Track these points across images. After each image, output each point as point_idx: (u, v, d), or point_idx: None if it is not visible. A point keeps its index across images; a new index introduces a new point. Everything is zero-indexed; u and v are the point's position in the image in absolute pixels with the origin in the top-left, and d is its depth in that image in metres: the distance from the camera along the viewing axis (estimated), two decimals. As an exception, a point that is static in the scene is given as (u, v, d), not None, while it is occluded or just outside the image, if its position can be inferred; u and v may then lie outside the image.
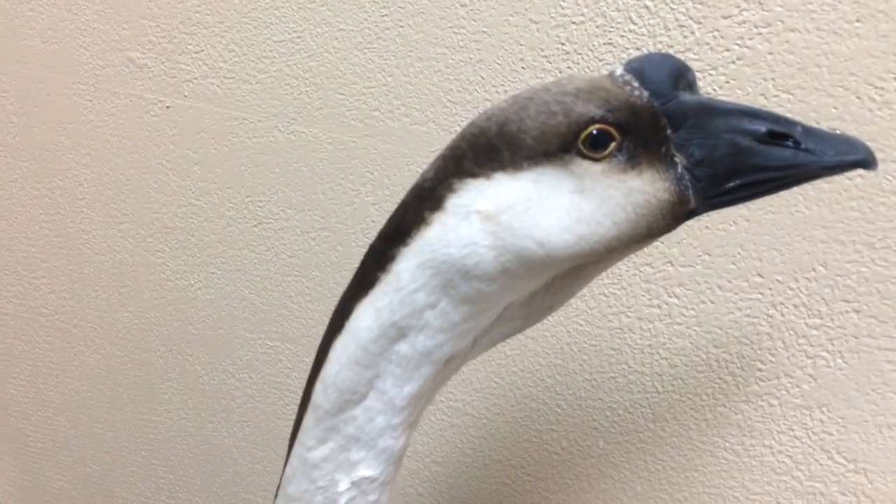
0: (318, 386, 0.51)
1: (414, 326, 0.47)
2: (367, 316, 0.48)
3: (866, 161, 0.41)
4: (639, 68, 0.44)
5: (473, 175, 0.44)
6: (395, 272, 0.46)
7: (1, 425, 1.32)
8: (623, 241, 0.43)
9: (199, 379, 1.13)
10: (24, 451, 1.32)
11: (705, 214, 0.75)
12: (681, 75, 0.44)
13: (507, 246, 0.43)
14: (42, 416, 1.27)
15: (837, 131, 0.69)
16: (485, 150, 0.44)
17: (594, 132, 0.41)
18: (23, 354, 1.24)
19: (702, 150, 0.42)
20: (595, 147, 0.42)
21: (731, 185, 0.42)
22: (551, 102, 0.43)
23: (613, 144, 0.42)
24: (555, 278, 0.48)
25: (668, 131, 0.42)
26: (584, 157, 0.42)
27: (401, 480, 1.03)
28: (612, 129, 0.41)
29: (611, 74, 0.45)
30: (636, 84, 0.43)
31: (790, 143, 0.41)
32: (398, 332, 0.47)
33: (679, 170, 0.42)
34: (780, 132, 0.41)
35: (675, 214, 0.43)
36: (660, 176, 0.42)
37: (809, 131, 0.42)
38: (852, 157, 0.41)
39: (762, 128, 0.41)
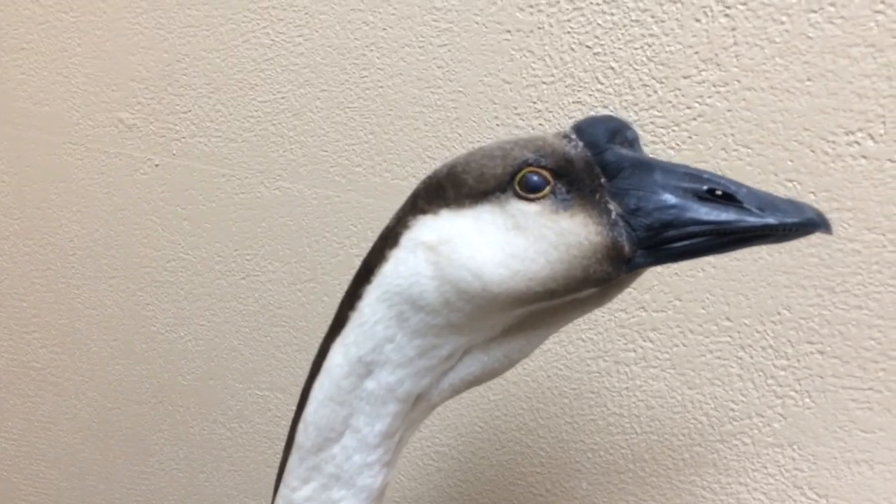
0: (300, 426, 0.53)
1: (377, 361, 0.49)
2: (339, 353, 0.51)
3: (813, 222, 0.41)
4: (579, 125, 0.47)
5: (424, 212, 0.48)
6: (360, 308, 0.50)
7: (-8, 479, 1.32)
8: (559, 281, 0.44)
9: (189, 429, 1.14)
10: (15, 504, 1.32)
11: (675, 264, 0.80)
12: (618, 132, 0.47)
13: (446, 276, 0.45)
14: (34, 469, 1.28)
15: (813, 204, 0.73)
16: (434, 190, 0.48)
17: (530, 175, 0.44)
18: (15, 409, 1.25)
19: (638, 200, 0.44)
20: (530, 189, 0.44)
21: (668, 235, 0.43)
22: (495, 149, 0.47)
23: (548, 188, 0.44)
24: (511, 328, 0.50)
25: (602, 179, 0.45)
26: (520, 197, 0.45)
27: (390, 526, 1.05)
28: (545, 173, 0.44)
29: (557, 132, 0.48)
30: (573, 137, 0.47)
31: (732, 203, 0.42)
32: (365, 367, 0.50)
33: (613, 216, 0.44)
34: (723, 192, 0.42)
35: (610, 259, 0.44)
36: (592, 220, 0.44)
37: (755, 194, 0.42)
38: (795, 218, 0.41)
39: (703, 186, 0.42)
